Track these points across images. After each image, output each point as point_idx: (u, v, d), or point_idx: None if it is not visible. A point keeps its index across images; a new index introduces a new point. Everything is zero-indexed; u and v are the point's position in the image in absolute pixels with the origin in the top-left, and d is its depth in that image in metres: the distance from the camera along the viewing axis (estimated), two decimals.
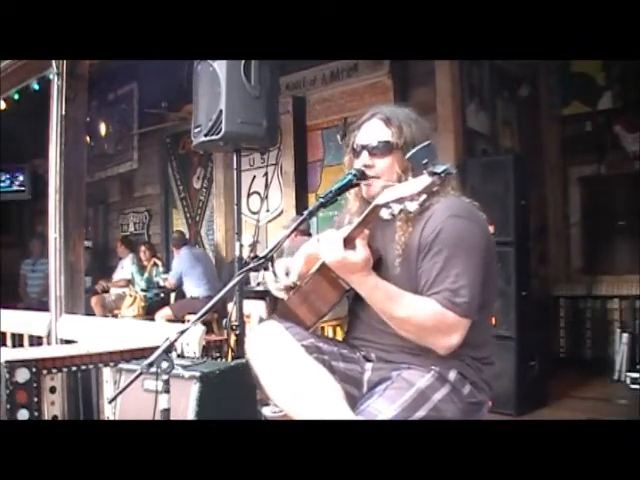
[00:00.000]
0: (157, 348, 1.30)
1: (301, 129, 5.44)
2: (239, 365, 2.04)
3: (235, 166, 3.00)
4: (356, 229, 1.40)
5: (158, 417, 1.30)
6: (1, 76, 3.85)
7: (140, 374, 1.30)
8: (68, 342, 3.20)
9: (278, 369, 1.43)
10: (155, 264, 5.92)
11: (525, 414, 3.40)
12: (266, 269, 1.48)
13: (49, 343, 3.35)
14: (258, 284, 4.24)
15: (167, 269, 5.93)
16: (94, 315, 5.41)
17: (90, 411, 2.67)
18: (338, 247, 1.38)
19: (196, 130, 2.77)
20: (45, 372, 2.24)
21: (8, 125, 5.13)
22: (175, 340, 1.33)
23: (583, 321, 4.89)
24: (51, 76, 3.54)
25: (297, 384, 1.39)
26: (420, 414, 1.40)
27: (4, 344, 3.55)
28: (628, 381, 4.15)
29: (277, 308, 1.63)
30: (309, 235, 4.03)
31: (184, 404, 1.84)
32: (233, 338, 2.95)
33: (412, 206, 1.29)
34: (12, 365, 2.15)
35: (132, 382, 1.32)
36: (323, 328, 3.72)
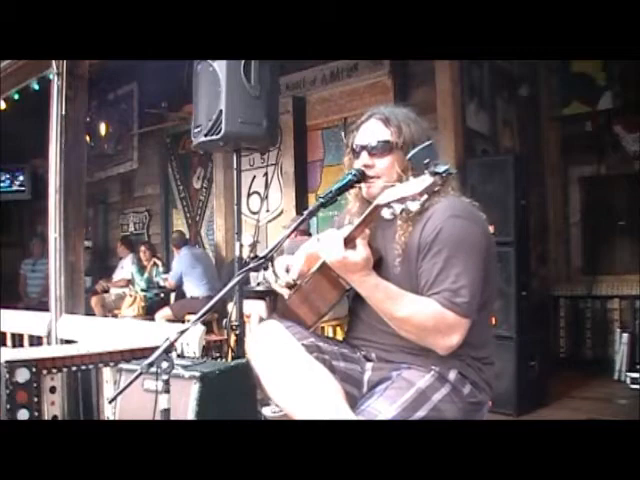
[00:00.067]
0: (157, 348, 1.30)
1: (301, 129, 5.44)
2: (239, 365, 2.03)
3: (235, 166, 3.00)
4: (357, 229, 1.40)
5: (158, 417, 1.30)
6: (1, 76, 3.85)
7: (140, 374, 1.30)
8: (68, 342, 3.20)
9: (279, 368, 1.43)
10: (155, 264, 5.92)
11: (525, 414, 3.41)
12: (266, 269, 1.48)
13: (49, 343, 3.34)
14: (258, 284, 4.23)
15: (167, 269, 5.93)
16: (94, 315, 5.41)
17: (90, 411, 2.67)
18: (339, 246, 1.38)
19: (196, 130, 2.77)
20: (45, 372, 2.24)
21: (8, 125, 5.13)
22: (175, 340, 1.33)
23: (583, 321, 4.88)
24: (51, 76, 3.54)
25: (298, 383, 1.39)
26: (420, 414, 1.40)
27: (4, 344, 3.55)
28: (628, 381, 4.15)
29: (277, 307, 1.63)
30: (309, 235, 4.04)
31: (184, 404, 1.83)
32: (233, 338, 2.95)
33: (414, 206, 1.29)
34: (12, 365, 2.15)
35: (132, 382, 1.32)
36: (323, 328, 3.72)
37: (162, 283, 5.75)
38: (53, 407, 2.28)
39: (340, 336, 3.44)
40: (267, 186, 5.73)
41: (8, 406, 2.12)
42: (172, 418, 1.33)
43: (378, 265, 1.47)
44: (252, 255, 4.67)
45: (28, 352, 2.79)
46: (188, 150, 6.26)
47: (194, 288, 5.41)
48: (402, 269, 1.48)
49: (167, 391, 1.31)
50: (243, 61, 2.61)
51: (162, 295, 5.78)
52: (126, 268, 6.23)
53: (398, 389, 1.43)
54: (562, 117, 5.13)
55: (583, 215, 5.11)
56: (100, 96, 6.82)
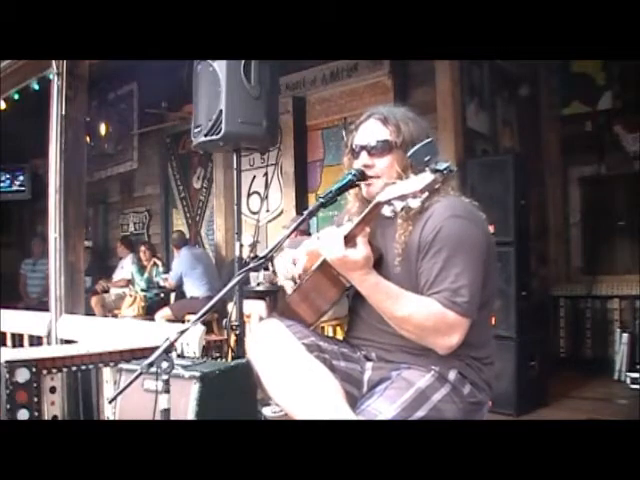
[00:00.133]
0: (157, 348, 1.30)
1: (301, 129, 5.44)
2: (239, 365, 2.04)
3: (235, 166, 3.01)
4: (357, 226, 1.40)
5: (158, 417, 1.30)
6: (1, 76, 3.85)
7: (140, 374, 1.30)
8: (68, 342, 3.20)
9: (279, 367, 1.43)
10: (155, 264, 5.92)
11: (525, 414, 3.41)
12: (266, 269, 1.48)
13: (49, 343, 3.34)
14: (258, 284, 4.23)
15: (167, 269, 5.93)
16: (94, 315, 5.41)
17: (90, 411, 2.66)
18: (339, 244, 1.38)
19: (196, 130, 2.77)
20: (45, 372, 2.24)
21: (8, 125, 5.13)
22: (175, 340, 1.33)
23: (583, 321, 4.89)
24: (51, 76, 3.54)
25: (298, 382, 1.39)
26: (420, 414, 1.40)
27: (4, 344, 3.55)
28: (628, 381, 4.16)
29: (277, 306, 1.63)
30: (309, 235, 4.03)
31: (184, 404, 1.83)
32: (233, 338, 2.95)
33: (414, 203, 1.29)
34: (12, 365, 2.15)
35: (132, 382, 1.32)
36: (323, 328, 3.72)
37: (162, 283, 5.75)
38: (53, 407, 2.28)
39: (340, 335, 3.44)
40: (267, 186, 5.73)
41: (8, 406, 2.12)
42: (172, 418, 1.33)
43: (378, 264, 1.47)
44: (252, 255, 4.67)
45: (28, 352, 2.79)
46: (188, 150, 6.26)
47: (194, 288, 5.41)
48: (402, 268, 1.48)
49: (167, 391, 1.31)
50: (243, 61, 2.61)
51: (162, 295, 5.78)
52: (126, 268, 6.23)
53: (398, 389, 1.43)
54: (562, 117, 5.14)
55: (583, 215, 5.11)
56: (100, 96, 6.83)
